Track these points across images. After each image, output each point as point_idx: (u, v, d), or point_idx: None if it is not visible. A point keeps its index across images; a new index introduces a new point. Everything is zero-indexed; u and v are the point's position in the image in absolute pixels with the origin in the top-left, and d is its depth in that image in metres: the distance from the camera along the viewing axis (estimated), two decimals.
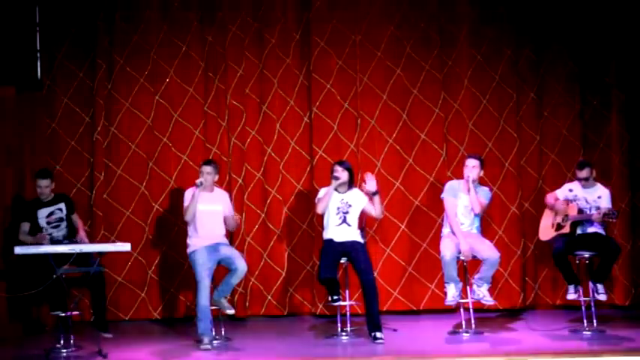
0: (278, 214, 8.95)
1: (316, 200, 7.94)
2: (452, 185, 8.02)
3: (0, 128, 8.26)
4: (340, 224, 7.79)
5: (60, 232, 7.88)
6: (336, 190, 7.84)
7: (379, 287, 8.01)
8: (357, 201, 7.84)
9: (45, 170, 8.07)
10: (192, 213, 7.63)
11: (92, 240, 8.30)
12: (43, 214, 7.87)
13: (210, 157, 8.62)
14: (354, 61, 9.04)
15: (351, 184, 7.89)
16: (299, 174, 9.00)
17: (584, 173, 7.92)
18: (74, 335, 7.42)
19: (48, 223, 7.87)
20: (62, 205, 7.96)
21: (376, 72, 9.04)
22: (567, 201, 8.00)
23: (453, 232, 7.88)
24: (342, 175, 7.81)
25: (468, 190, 7.83)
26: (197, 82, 8.95)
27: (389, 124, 9.03)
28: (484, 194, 7.94)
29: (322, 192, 7.92)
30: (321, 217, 7.97)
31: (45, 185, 7.87)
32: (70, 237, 7.85)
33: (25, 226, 7.84)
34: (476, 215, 7.90)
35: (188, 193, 7.73)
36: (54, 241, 7.73)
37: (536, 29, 9.12)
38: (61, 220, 7.92)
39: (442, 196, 8.04)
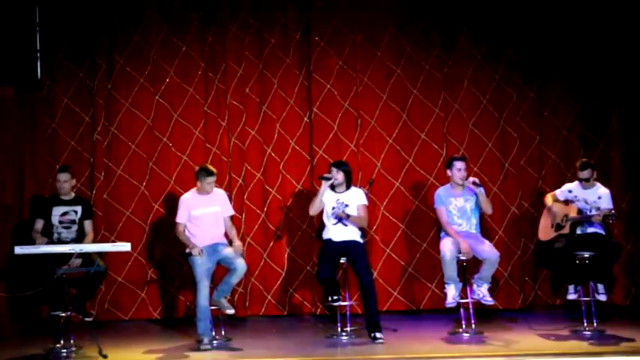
0: (278, 214, 8.95)
1: None
2: (439, 194, 8.02)
3: (0, 128, 8.25)
4: (336, 224, 7.79)
5: (70, 235, 7.87)
6: (333, 190, 7.84)
7: (379, 287, 8.03)
8: (354, 200, 7.83)
9: (65, 165, 8.15)
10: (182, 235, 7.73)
11: (92, 240, 8.30)
12: (57, 211, 7.87)
13: (210, 159, 8.65)
14: (354, 61, 9.05)
15: (349, 184, 7.89)
16: (299, 174, 9.00)
17: (585, 174, 7.90)
18: (74, 335, 7.43)
19: (60, 222, 7.87)
20: (78, 208, 7.95)
21: (376, 72, 9.04)
22: (567, 201, 8.00)
23: None
24: (337, 175, 7.81)
25: (463, 188, 7.84)
26: (197, 82, 8.96)
27: (389, 124, 9.03)
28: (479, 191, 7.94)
29: None
30: (321, 217, 7.97)
31: (63, 179, 7.88)
32: (79, 241, 7.85)
33: (39, 223, 7.83)
34: (472, 214, 7.91)
35: (184, 205, 7.73)
36: (61, 242, 7.73)
37: (536, 29, 9.12)
38: (73, 222, 7.90)
39: (434, 207, 8.05)
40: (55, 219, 7.85)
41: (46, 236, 7.74)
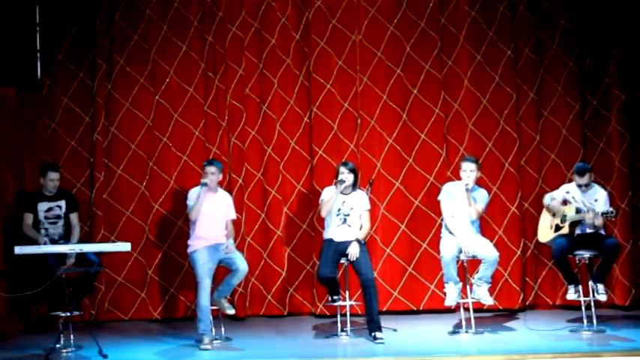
0: (278, 214, 8.95)
1: (320, 201, 7.95)
2: (448, 188, 8.02)
3: (0, 128, 8.25)
4: (340, 225, 7.80)
5: (56, 230, 7.86)
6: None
7: (379, 287, 8.02)
8: (359, 204, 7.84)
9: (55, 164, 8.13)
10: (197, 212, 7.62)
11: (92, 240, 8.30)
12: (42, 207, 7.86)
13: (211, 157, 8.63)
14: (354, 61, 9.04)
15: (355, 185, 7.89)
16: (299, 174, 9.00)
17: (585, 180, 7.84)
18: (74, 335, 7.44)
19: (46, 218, 7.86)
20: (62, 203, 7.94)
21: (376, 72, 9.04)
22: (565, 201, 7.99)
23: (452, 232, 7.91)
24: (348, 177, 7.80)
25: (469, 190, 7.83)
26: (197, 82, 8.96)
27: (389, 124, 9.03)
28: (482, 198, 7.92)
29: (325, 193, 7.92)
30: (322, 217, 7.97)
31: (56, 179, 7.88)
32: (67, 236, 7.85)
33: (29, 218, 7.81)
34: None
35: (193, 193, 7.72)
36: (49, 239, 7.72)
37: (536, 29, 9.13)
38: (58, 217, 7.90)
39: (439, 198, 8.05)
40: (41, 214, 7.84)
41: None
